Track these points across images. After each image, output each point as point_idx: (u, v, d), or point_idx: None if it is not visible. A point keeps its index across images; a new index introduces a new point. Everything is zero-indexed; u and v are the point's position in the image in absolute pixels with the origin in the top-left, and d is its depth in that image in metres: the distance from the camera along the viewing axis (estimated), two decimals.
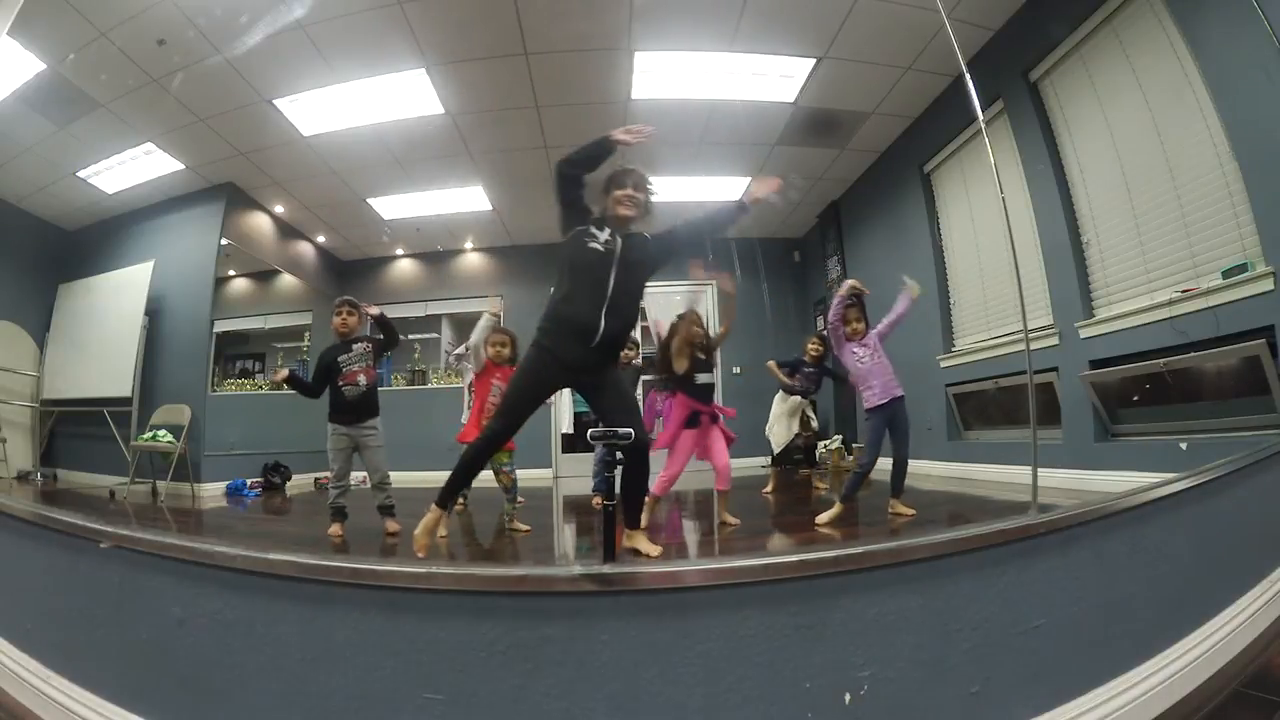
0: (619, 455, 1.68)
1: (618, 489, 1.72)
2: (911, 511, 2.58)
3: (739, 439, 2.81)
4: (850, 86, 3.89)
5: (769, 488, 3.57)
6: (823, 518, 2.53)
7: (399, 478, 2.82)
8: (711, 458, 2.64)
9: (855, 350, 2.64)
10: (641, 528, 2.01)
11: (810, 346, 3.47)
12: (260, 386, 5.04)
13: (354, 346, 2.78)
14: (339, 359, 2.74)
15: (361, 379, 2.74)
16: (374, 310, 2.83)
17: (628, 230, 1.99)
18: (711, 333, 2.78)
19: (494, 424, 1.97)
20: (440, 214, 4.92)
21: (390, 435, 2.88)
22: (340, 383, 2.72)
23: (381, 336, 2.83)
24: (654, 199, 2.02)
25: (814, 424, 3.74)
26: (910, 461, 2.64)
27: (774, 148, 4.42)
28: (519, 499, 2.86)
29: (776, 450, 3.60)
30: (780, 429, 3.60)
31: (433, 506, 1.94)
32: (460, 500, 3.24)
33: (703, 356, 2.66)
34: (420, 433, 4.33)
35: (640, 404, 3.32)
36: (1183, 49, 2.63)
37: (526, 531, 2.70)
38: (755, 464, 3.83)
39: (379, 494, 2.74)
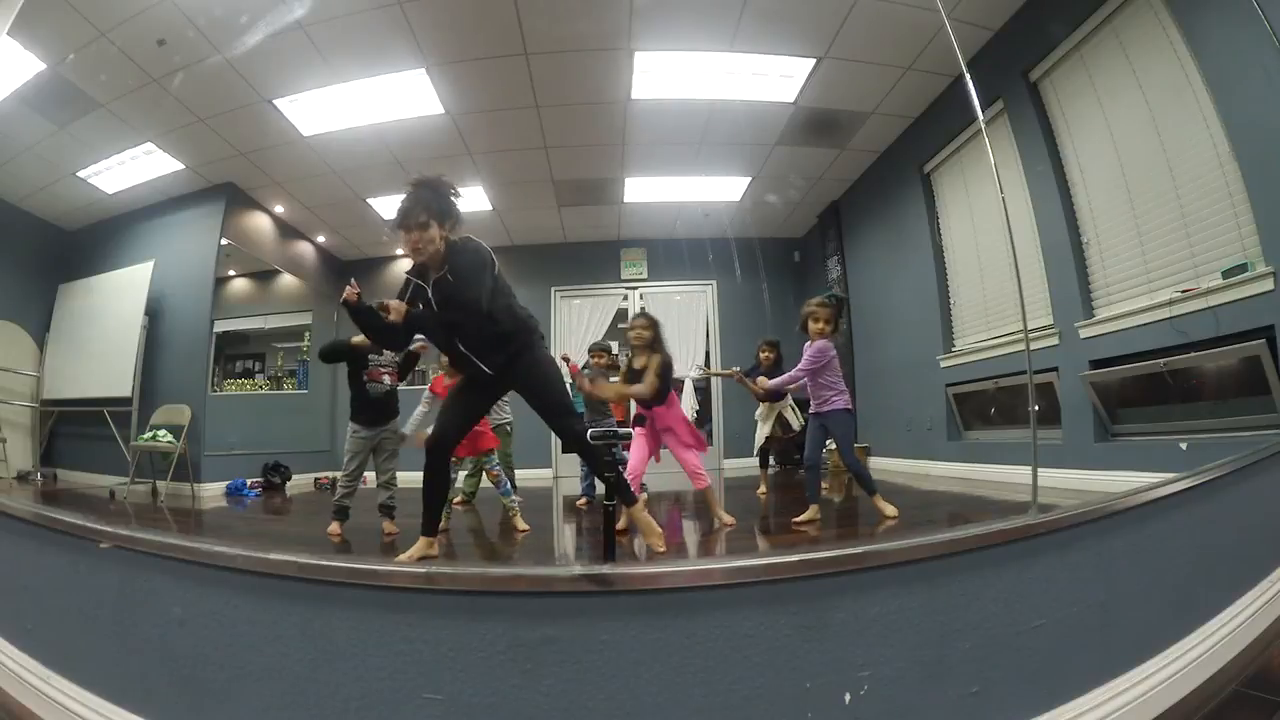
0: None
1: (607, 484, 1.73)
2: (891, 511, 2.59)
3: (738, 438, 2.83)
4: (850, 86, 3.89)
5: (761, 488, 3.60)
6: (799, 518, 2.60)
7: (400, 477, 2.82)
8: (677, 459, 2.69)
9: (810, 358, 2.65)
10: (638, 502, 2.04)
11: (762, 355, 3.46)
12: (260, 386, 5.05)
13: (385, 351, 2.79)
14: (370, 356, 2.77)
15: (386, 379, 2.78)
16: (418, 347, 2.78)
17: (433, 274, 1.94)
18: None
19: (429, 438, 2.02)
20: None
21: None
22: (365, 379, 2.76)
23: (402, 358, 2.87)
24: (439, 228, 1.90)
25: (795, 425, 3.73)
26: (910, 461, 2.65)
27: (774, 148, 4.42)
28: (516, 497, 2.87)
29: (755, 452, 3.66)
30: (759, 431, 3.63)
31: (420, 538, 1.97)
32: (462, 498, 3.25)
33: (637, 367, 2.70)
34: None
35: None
36: (1183, 49, 2.63)
37: (525, 531, 2.71)
38: (755, 463, 3.84)
39: (382, 493, 2.75)
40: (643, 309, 2.82)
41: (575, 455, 2.56)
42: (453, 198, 1.89)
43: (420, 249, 1.82)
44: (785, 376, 2.76)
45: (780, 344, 3.48)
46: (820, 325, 2.61)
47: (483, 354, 1.93)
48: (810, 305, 2.66)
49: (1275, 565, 1.78)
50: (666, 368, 2.64)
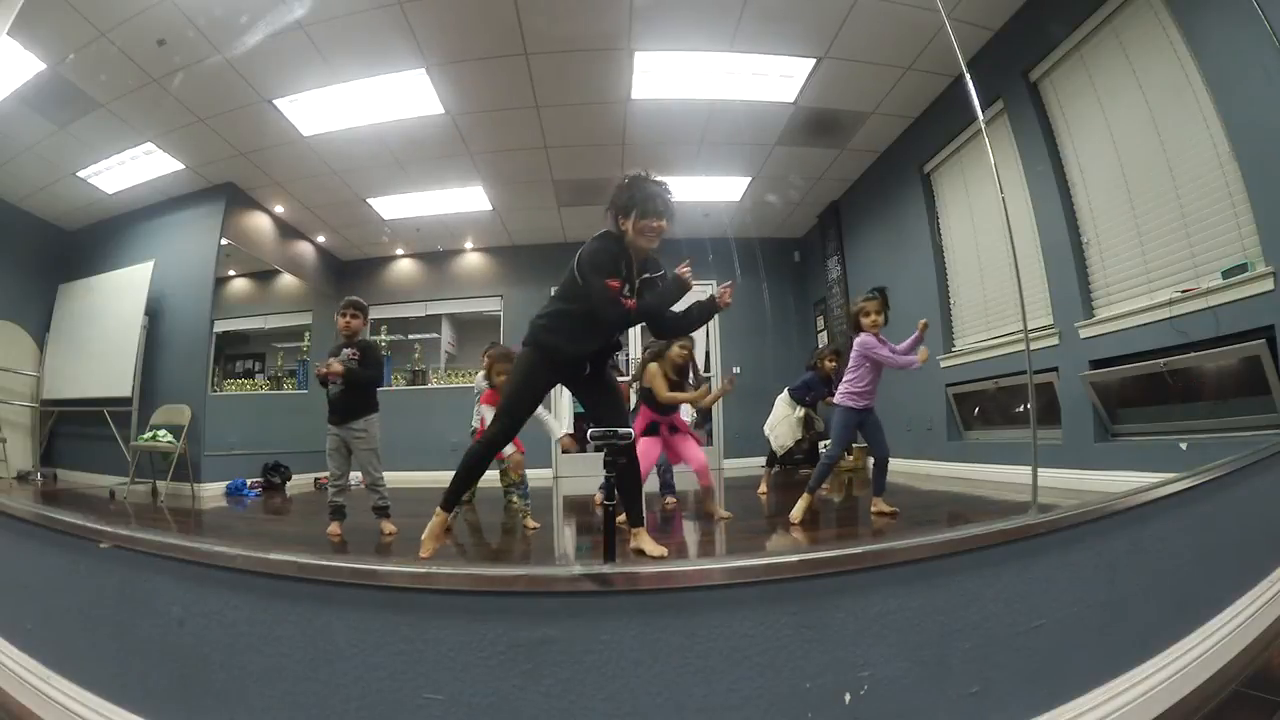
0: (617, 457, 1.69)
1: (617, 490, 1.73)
2: (892, 509, 2.62)
3: (738, 438, 2.85)
4: (850, 86, 3.88)
5: (762, 487, 3.58)
6: (794, 513, 2.61)
7: (399, 478, 2.82)
8: (686, 459, 2.77)
9: (882, 353, 2.67)
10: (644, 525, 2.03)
11: (827, 363, 3.39)
12: (260, 386, 5.05)
13: (343, 351, 2.80)
14: (327, 359, 2.78)
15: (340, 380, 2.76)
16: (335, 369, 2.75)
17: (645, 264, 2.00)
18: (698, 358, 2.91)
19: (494, 427, 1.99)
20: (440, 214, 4.92)
21: (390, 435, 2.88)
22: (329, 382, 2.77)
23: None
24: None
25: (818, 424, 3.71)
26: (910, 461, 2.65)
27: (774, 148, 4.42)
28: (526, 500, 2.87)
29: (778, 453, 3.59)
30: (784, 432, 3.56)
31: (438, 510, 1.96)
32: (464, 498, 3.24)
33: (675, 378, 2.79)
34: (420, 433, 4.32)
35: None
36: (1183, 49, 2.63)
37: (535, 528, 2.74)
38: (756, 463, 3.83)
39: (372, 495, 2.75)
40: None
41: (575, 455, 2.57)
42: None
43: (656, 240, 1.92)
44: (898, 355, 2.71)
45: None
46: (874, 318, 2.66)
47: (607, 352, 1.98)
48: (859, 302, 2.72)
49: (1275, 565, 1.78)
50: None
